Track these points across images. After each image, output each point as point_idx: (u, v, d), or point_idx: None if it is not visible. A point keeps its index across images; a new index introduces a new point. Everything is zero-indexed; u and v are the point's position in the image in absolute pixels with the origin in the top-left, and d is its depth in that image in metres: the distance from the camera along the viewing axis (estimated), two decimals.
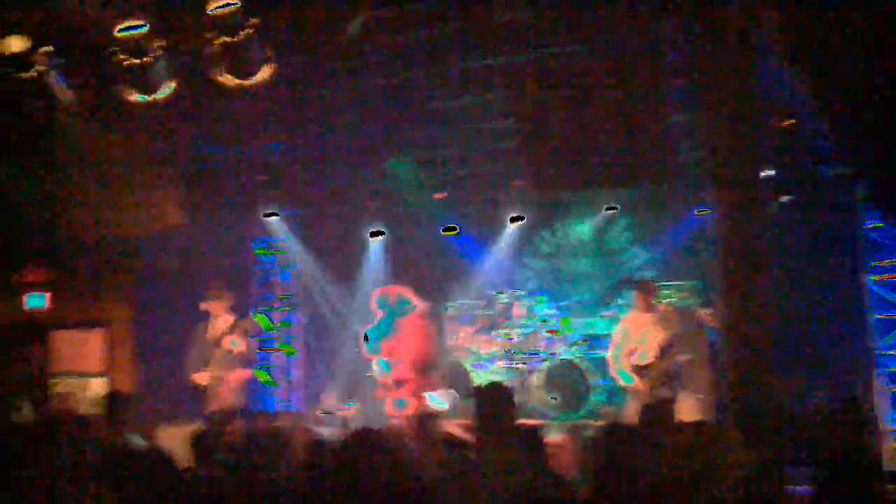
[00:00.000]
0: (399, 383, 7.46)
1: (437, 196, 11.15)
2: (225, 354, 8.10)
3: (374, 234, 11.54)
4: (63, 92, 6.62)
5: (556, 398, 9.36)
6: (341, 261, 11.62)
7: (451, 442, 4.44)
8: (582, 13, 6.47)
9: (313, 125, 8.97)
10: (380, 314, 7.82)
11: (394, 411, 7.49)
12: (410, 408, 7.28)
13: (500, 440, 3.77)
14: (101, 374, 10.32)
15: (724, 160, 5.32)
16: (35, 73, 6.29)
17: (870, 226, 9.24)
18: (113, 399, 5.83)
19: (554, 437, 8.50)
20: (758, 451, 4.69)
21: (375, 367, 7.78)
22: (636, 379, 7.42)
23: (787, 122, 7.99)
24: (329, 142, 9.62)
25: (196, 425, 7.34)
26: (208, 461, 4.41)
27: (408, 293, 7.86)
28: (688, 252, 10.04)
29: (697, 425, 2.88)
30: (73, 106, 6.82)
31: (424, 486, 3.42)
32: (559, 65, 6.95)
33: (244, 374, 8.21)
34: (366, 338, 7.89)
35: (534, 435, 4.47)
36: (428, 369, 7.51)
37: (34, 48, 6.14)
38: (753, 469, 2.78)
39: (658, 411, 4.92)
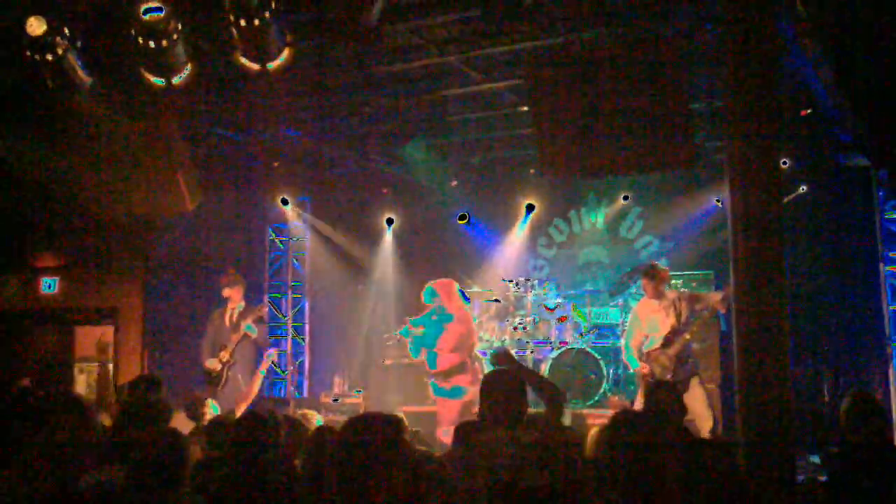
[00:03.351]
0: (449, 373, 7.39)
1: (451, 184, 11.15)
2: (240, 340, 8.13)
3: (388, 222, 11.59)
4: (80, 74, 6.59)
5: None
6: (354, 248, 11.63)
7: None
8: None
9: (329, 111, 8.96)
10: (427, 307, 7.61)
11: (443, 400, 7.44)
12: (468, 395, 7.19)
13: (512, 427, 3.74)
14: (109, 360, 10.31)
15: (742, 148, 5.27)
16: (53, 55, 6.26)
17: (888, 216, 9.18)
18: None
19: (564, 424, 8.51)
20: (768, 441, 4.72)
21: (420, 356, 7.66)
22: (643, 365, 7.41)
23: (805, 112, 7.95)
24: (344, 128, 9.61)
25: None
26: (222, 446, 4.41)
27: (455, 289, 7.63)
28: (701, 241, 10.00)
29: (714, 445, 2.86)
30: (91, 88, 6.80)
31: (421, 472, 3.41)
32: (576, 50, 6.90)
33: (257, 359, 8.24)
34: (410, 329, 7.74)
35: (545, 422, 4.45)
36: (473, 359, 7.62)
37: (53, 30, 6.11)
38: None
39: (664, 394, 4.87)
